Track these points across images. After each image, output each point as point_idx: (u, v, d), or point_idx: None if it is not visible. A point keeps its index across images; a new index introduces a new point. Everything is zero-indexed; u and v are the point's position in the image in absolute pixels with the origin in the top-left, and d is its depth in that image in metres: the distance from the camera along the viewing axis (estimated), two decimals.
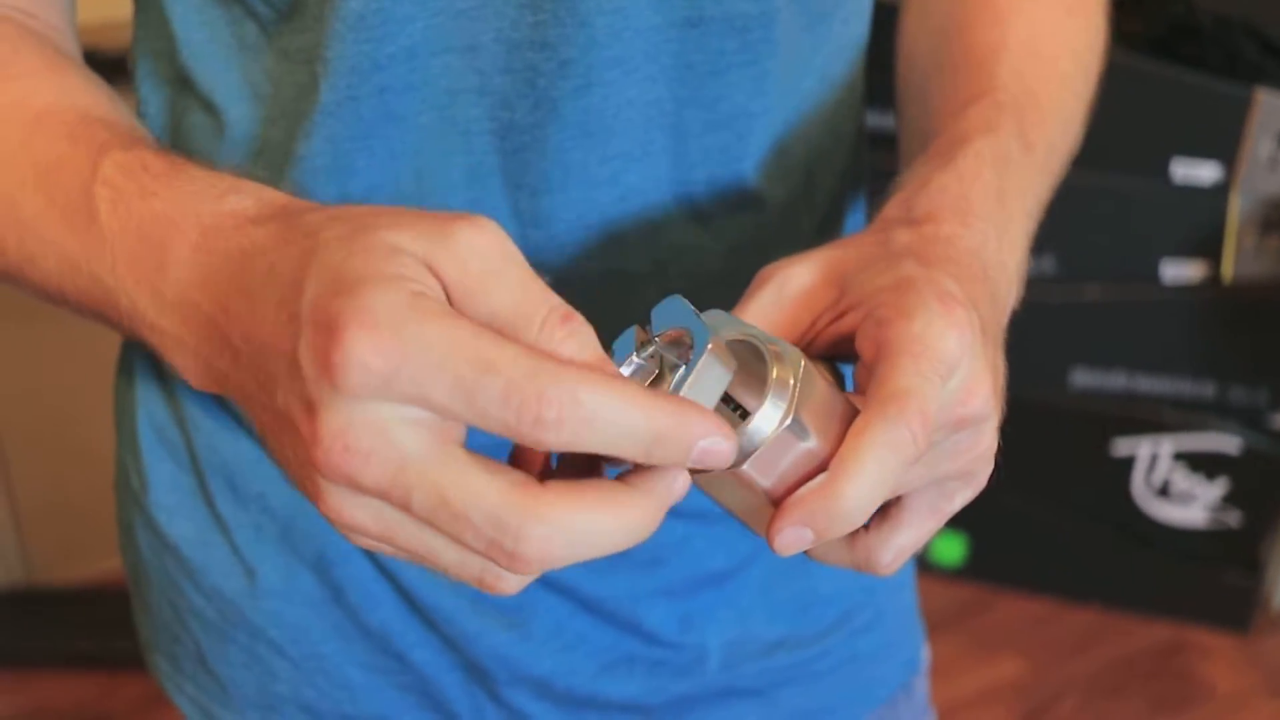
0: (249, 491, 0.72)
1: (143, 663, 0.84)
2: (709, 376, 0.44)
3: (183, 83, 0.66)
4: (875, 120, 0.80)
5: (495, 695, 0.75)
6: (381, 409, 0.38)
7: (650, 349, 0.47)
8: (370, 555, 0.71)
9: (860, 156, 0.77)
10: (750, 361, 0.47)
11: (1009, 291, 0.56)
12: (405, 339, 0.37)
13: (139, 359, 0.75)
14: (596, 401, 0.39)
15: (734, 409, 0.49)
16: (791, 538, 0.46)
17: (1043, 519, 2.22)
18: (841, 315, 0.50)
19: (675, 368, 0.45)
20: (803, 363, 0.46)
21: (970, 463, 0.50)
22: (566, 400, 0.38)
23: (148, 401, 0.74)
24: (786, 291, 0.51)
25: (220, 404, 0.71)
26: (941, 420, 0.47)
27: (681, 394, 0.43)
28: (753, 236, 0.67)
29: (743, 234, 0.67)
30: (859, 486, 0.45)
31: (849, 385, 0.52)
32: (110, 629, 1.81)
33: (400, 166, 0.61)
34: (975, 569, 2.29)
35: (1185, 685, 2.14)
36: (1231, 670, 2.16)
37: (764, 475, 0.46)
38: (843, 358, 0.52)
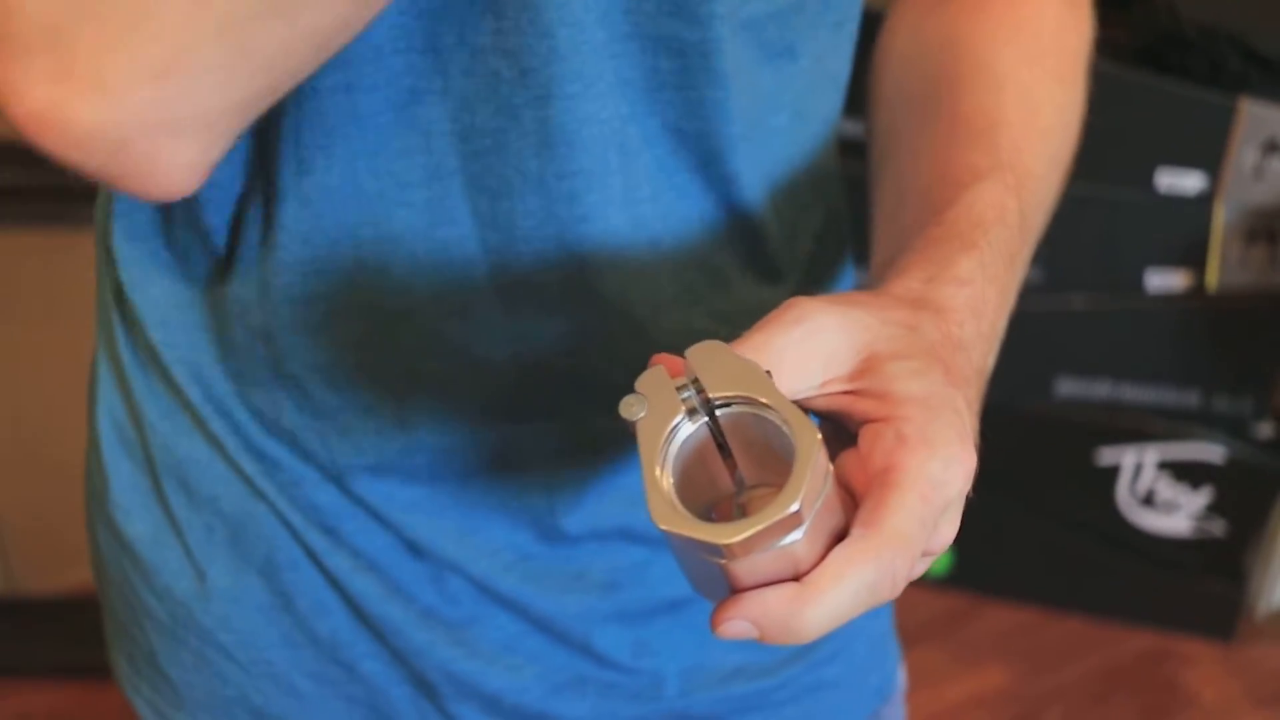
0: (201, 494, 0.72)
1: None
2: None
3: None
4: (845, 128, 0.79)
5: (444, 710, 0.74)
6: None
7: (687, 392, 0.47)
8: (319, 563, 0.71)
9: (838, 191, 0.76)
10: (761, 430, 0.46)
11: (983, 395, 0.56)
12: None
13: (104, 358, 0.75)
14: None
15: (726, 456, 0.48)
16: (738, 629, 0.45)
17: (1027, 528, 2.22)
18: (856, 393, 0.49)
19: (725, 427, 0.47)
20: (822, 460, 0.44)
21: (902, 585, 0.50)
22: None
23: (108, 400, 0.74)
24: (812, 343, 0.49)
25: (175, 405, 0.71)
26: None
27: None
28: (718, 262, 0.67)
29: (709, 261, 0.66)
30: (825, 613, 0.44)
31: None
32: (91, 639, 1.79)
33: (359, 167, 0.61)
34: (960, 578, 2.29)
35: (1170, 694, 2.14)
36: (1216, 679, 2.16)
37: (739, 560, 0.44)
38: (833, 423, 0.51)
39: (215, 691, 0.75)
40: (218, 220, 0.65)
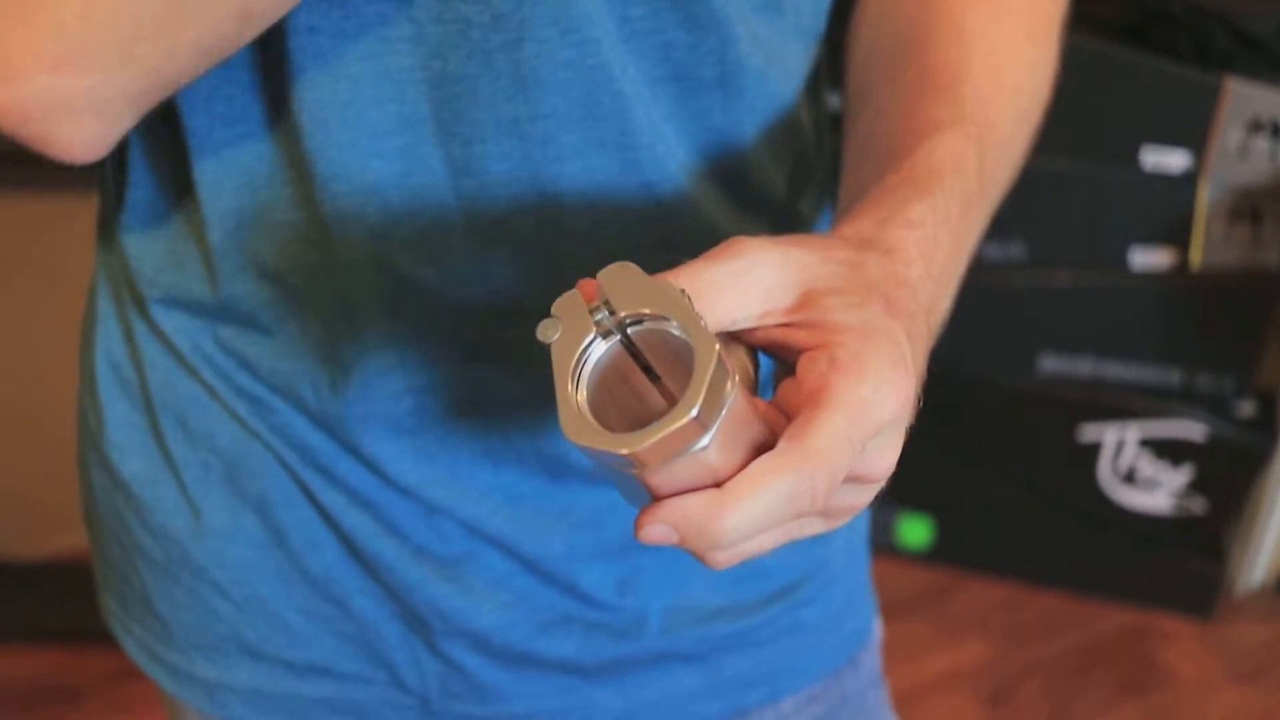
0: (199, 431, 0.72)
1: (105, 637, 0.84)
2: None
3: None
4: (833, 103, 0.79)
5: (433, 647, 0.75)
6: None
7: (600, 314, 0.48)
8: (314, 500, 0.72)
9: (820, 144, 0.76)
10: (673, 345, 0.47)
11: (935, 335, 0.57)
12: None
13: (103, 299, 0.75)
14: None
15: (652, 378, 0.49)
16: (658, 534, 0.47)
17: (1009, 504, 2.23)
18: (793, 325, 0.50)
19: (641, 342, 0.47)
20: (722, 368, 0.45)
21: (841, 511, 0.51)
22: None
23: (106, 339, 0.75)
24: (751, 276, 0.50)
25: (174, 344, 0.71)
26: (845, 477, 0.48)
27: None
28: (696, 205, 0.67)
29: (688, 205, 0.67)
30: (743, 519, 0.46)
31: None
32: (73, 604, 1.80)
33: (330, 116, 0.61)
34: (941, 553, 2.30)
35: (1148, 671, 2.15)
36: (1194, 656, 2.18)
37: (654, 468, 0.45)
38: (773, 357, 0.52)
39: (207, 628, 0.76)
40: (203, 167, 0.65)
